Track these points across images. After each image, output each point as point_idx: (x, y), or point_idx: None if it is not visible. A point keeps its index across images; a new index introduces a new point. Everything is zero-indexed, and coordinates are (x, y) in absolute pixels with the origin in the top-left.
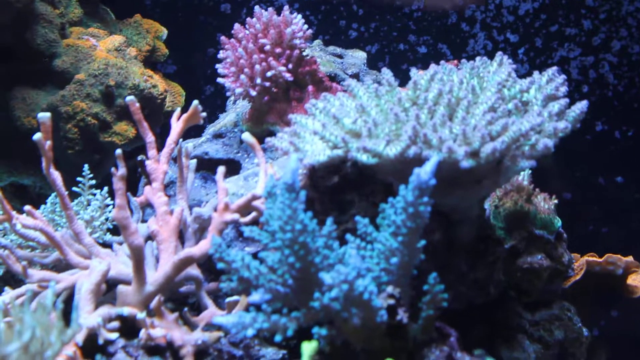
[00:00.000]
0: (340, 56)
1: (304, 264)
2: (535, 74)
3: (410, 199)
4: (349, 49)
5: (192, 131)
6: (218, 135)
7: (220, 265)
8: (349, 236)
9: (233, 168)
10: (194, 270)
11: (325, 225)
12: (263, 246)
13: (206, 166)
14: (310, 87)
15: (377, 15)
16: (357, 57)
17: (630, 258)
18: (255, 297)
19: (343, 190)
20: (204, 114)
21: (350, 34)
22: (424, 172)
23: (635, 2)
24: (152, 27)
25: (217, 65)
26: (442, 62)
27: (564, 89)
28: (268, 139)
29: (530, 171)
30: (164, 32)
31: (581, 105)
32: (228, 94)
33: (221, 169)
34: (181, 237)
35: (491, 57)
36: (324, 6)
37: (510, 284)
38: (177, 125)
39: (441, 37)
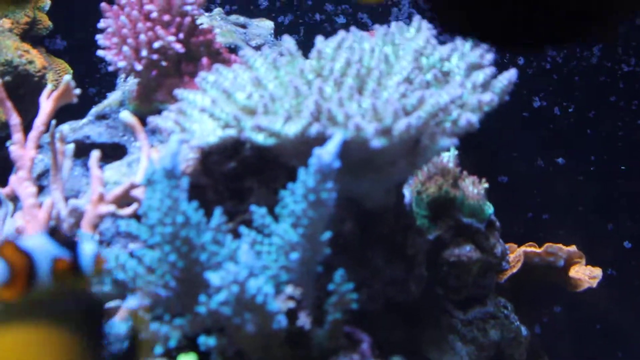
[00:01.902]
0: (243, 26)
1: (187, 263)
2: (458, 40)
3: (311, 185)
4: (255, 18)
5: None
6: (101, 117)
7: None
8: (243, 229)
9: (120, 153)
10: None
11: (213, 216)
12: (142, 242)
13: (88, 151)
14: (204, 60)
15: None
16: (263, 27)
17: (572, 247)
18: (132, 302)
19: (241, 176)
20: (78, 90)
21: (260, 3)
22: (326, 153)
23: None
24: None
25: (98, 36)
26: (351, 28)
27: (490, 57)
28: (151, 119)
29: (457, 152)
30: (46, 2)
31: (509, 75)
32: (110, 68)
33: (95, 154)
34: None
35: None
36: None
37: (436, 279)
38: (46, 105)
39: (361, 5)
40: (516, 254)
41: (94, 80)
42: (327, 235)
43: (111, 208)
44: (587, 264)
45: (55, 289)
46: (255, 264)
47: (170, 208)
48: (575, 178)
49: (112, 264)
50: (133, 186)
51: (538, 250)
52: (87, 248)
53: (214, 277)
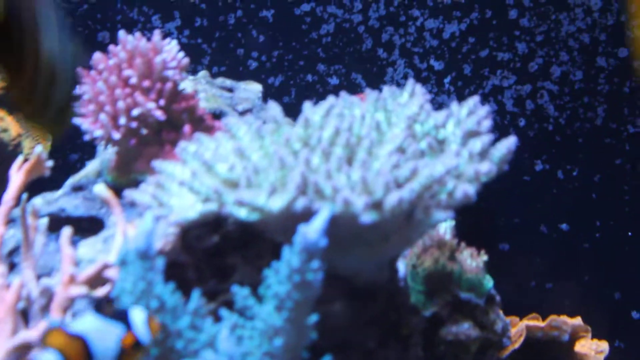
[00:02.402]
0: (230, 89)
1: (162, 351)
2: (454, 105)
3: (296, 265)
4: (243, 80)
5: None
6: (78, 188)
7: None
8: (224, 311)
9: (97, 227)
10: None
11: (191, 299)
12: None
13: (64, 225)
14: (186, 127)
15: (281, 42)
16: (251, 90)
17: (578, 320)
18: None
19: (224, 252)
20: (51, 162)
21: (249, 64)
22: (312, 231)
23: (577, 22)
24: None
25: (75, 104)
26: (341, 93)
27: (487, 123)
28: (127, 192)
29: (454, 222)
30: None
31: (508, 143)
32: (86, 137)
33: (66, 232)
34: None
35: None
36: (219, 32)
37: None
38: (16, 178)
39: (355, 65)
40: (518, 328)
41: (76, 146)
42: (313, 318)
43: (83, 290)
44: (593, 336)
45: None
46: (235, 351)
47: (144, 292)
48: (580, 245)
49: None
50: (106, 266)
51: (541, 324)
52: (138, 315)
53: None
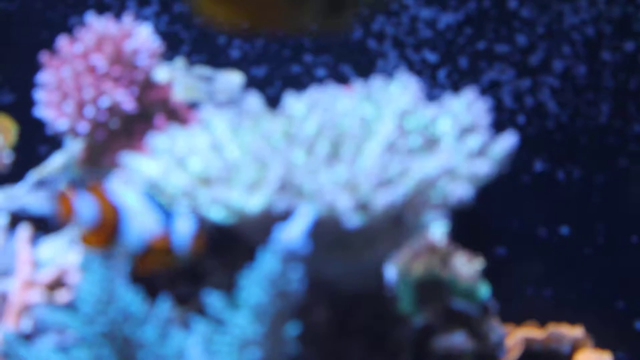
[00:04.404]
0: (209, 79)
1: None
2: (448, 98)
3: (274, 272)
4: (223, 70)
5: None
6: (42, 183)
7: None
8: (196, 320)
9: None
10: None
11: (158, 307)
12: (76, 338)
13: (26, 224)
14: (159, 119)
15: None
16: (231, 81)
17: (579, 330)
18: None
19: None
20: (8, 156)
21: (230, 53)
22: (292, 234)
23: (581, 13)
24: None
25: (37, 92)
26: (326, 83)
27: (485, 119)
28: None
29: (447, 226)
30: None
31: (507, 140)
32: (50, 130)
33: (24, 231)
34: None
35: None
36: (199, 19)
37: None
38: None
39: (343, 56)
40: (514, 339)
41: (45, 138)
42: (293, 329)
43: (41, 295)
44: (594, 347)
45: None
46: None
47: (106, 299)
48: (580, 250)
49: None
50: (67, 270)
51: (540, 334)
52: (184, 225)
53: None
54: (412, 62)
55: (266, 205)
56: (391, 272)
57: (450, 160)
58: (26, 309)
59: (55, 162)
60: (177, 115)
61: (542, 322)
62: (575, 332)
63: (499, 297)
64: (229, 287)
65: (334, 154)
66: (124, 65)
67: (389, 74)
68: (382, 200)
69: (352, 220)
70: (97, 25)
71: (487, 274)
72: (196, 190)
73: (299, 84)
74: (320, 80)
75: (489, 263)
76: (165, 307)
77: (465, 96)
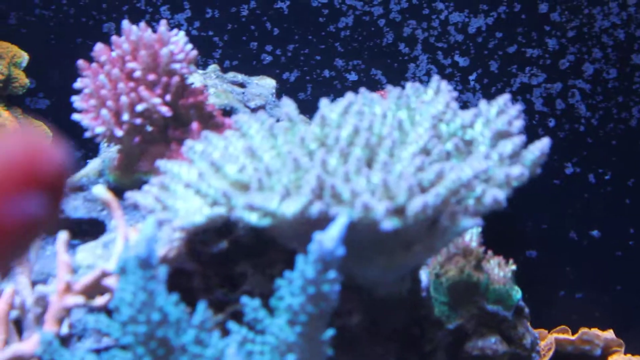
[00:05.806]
0: (242, 85)
1: None
2: (482, 103)
3: (311, 276)
4: (256, 75)
5: None
6: (78, 188)
7: None
8: (232, 325)
9: (98, 230)
10: None
11: (197, 312)
12: (115, 341)
13: (63, 228)
14: (194, 125)
15: (297, 35)
16: (264, 85)
17: (610, 333)
18: None
19: (233, 259)
20: None
21: (263, 58)
22: (328, 239)
23: (611, 17)
24: (7, 51)
25: (74, 98)
26: (361, 89)
27: (518, 124)
28: (129, 194)
29: (480, 229)
30: (23, 57)
31: (541, 145)
32: (87, 134)
33: (62, 236)
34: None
35: None
36: (231, 24)
37: None
38: None
39: (375, 61)
40: (546, 342)
41: (80, 142)
42: (329, 333)
43: (79, 300)
44: (626, 351)
45: None
46: None
47: (145, 303)
48: (612, 253)
49: None
50: (105, 274)
51: (571, 337)
52: None
53: None
54: (443, 66)
55: (302, 210)
56: (425, 275)
57: (484, 165)
58: (65, 313)
59: (91, 166)
60: (212, 120)
61: (574, 325)
62: (606, 335)
63: (529, 300)
64: (264, 292)
65: (369, 159)
66: (159, 71)
67: (420, 78)
68: (418, 204)
69: (388, 224)
70: (133, 32)
71: (518, 276)
72: (232, 194)
73: (331, 88)
74: (351, 85)
75: (519, 266)
76: (203, 311)
77: (499, 101)
